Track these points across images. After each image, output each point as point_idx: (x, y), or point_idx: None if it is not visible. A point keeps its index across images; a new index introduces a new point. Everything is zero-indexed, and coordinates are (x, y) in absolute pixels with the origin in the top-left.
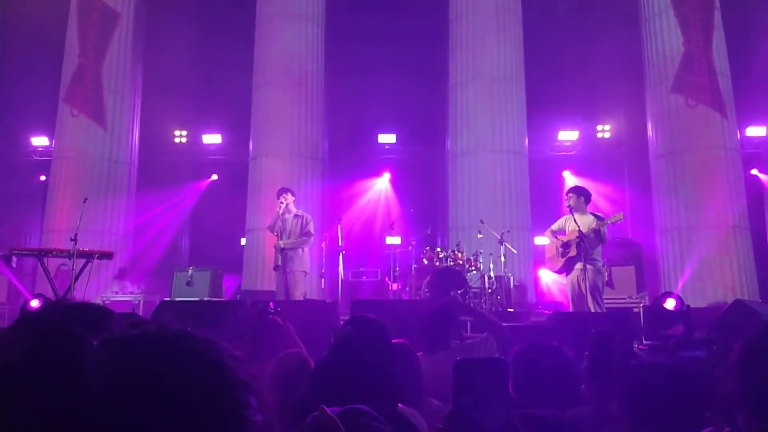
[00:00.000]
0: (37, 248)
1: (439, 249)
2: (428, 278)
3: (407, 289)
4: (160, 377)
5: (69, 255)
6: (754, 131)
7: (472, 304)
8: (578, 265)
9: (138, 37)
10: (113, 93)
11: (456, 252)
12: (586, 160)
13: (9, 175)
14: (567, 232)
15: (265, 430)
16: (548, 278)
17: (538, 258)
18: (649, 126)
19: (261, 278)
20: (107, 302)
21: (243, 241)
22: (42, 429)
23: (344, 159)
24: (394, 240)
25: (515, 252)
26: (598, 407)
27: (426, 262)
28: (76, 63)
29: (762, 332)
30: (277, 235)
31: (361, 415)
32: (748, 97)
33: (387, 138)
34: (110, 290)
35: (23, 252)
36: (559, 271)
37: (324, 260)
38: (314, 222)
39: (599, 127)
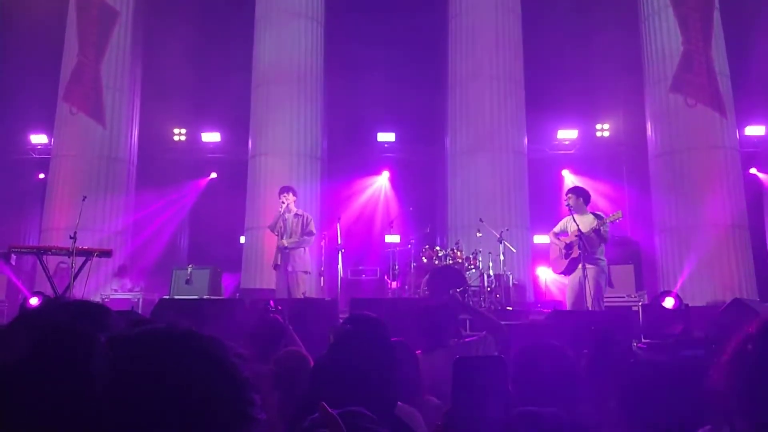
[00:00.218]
0: (36, 246)
1: (438, 247)
2: (427, 277)
3: (406, 287)
4: (167, 375)
5: (68, 253)
6: (753, 130)
7: (471, 303)
8: (581, 266)
9: (137, 36)
10: (112, 91)
11: (455, 250)
12: (586, 159)
13: (8, 173)
14: (569, 233)
15: (268, 429)
16: (547, 277)
17: (537, 257)
18: (649, 125)
19: (260, 276)
20: (106, 300)
21: (242, 240)
22: (48, 427)
23: (343, 157)
24: (393, 238)
25: (514, 251)
26: (598, 405)
27: (425, 260)
28: (75, 61)
29: (758, 330)
30: (277, 235)
31: (359, 418)
32: (748, 96)
33: (386, 137)
34: (109, 288)
35: (22, 250)
36: (563, 273)
37: (323, 259)
38: (314, 221)
39: (598, 126)
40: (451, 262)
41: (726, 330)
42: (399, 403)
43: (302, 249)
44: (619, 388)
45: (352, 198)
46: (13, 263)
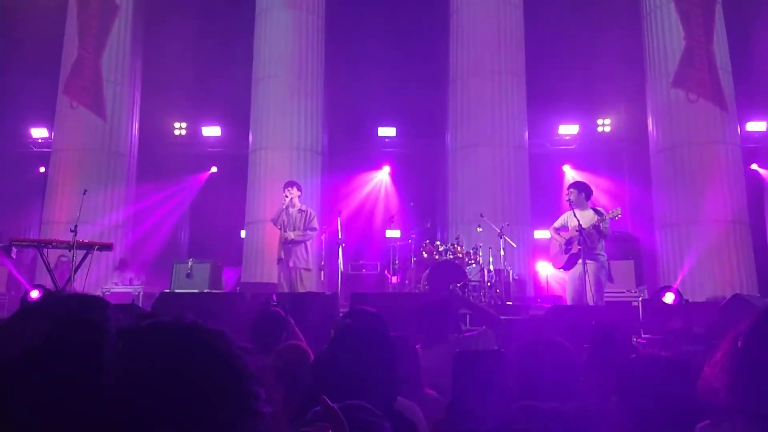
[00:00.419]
0: (37, 239)
1: (438, 242)
2: (428, 271)
3: (407, 282)
4: (173, 368)
5: (69, 246)
6: (754, 126)
7: (471, 298)
8: (581, 261)
9: (137, 30)
10: (112, 85)
11: (455, 245)
12: (586, 154)
13: (9, 167)
14: (569, 228)
15: (272, 422)
16: (547, 272)
17: (538, 252)
18: (650, 120)
19: (260, 270)
20: (107, 293)
21: (243, 234)
22: (58, 418)
23: (344, 152)
24: (393, 233)
25: (515, 246)
26: (598, 400)
27: (425, 255)
28: (76, 55)
29: (747, 328)
30: (280, 228)
31: (360, 411)
32: (749, 91)
33: (387, 131)
34: (110, 281)
35: (23, 243)
36: (563, 268)
37: (324, 253)
38: (317, 217)
39: (599, 121)
40: (451, 257)
41: (726, 325)
42: (399, 397)
43: (304, 244)
44: (619, 383)
45: (353, 192)
46: (14, 256)
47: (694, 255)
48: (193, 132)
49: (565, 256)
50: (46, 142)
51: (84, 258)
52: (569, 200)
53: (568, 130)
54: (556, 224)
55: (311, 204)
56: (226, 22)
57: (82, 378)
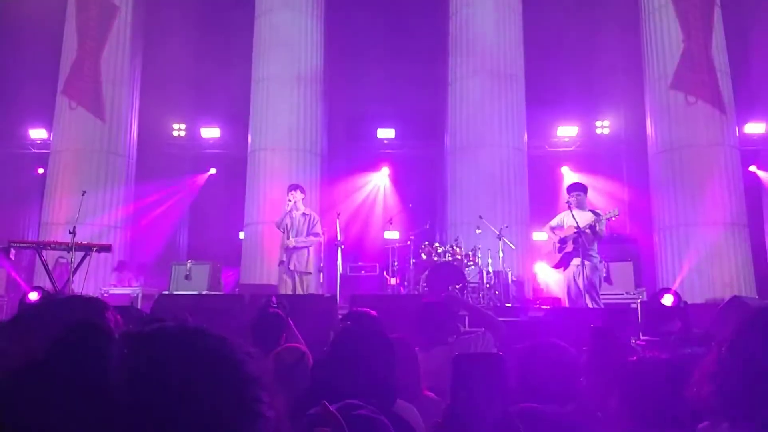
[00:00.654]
0: (35, 241)
1: (437, 244)
2: (426, 273)
3: (405, 283)
4: (179, 373)
5: (68, 248)
6: (753, 128)
7: (470, 299)
8: (575, 261)
9: (136, 30)
10: (112, 86)
11: (454, 247)
12: (585, 156)
13: (7, 168)
14: (565, 227)
15: (275, 426)
16: (546, 274)
17: (537, 253)
18: (648, 122)
19: (259, 272)
20: (105, 295)
21: (242, 235)
22: (68, 419)
23: (343, 153)
24: (392, 235)
25: (513, 247)
26: (598, 402)
27: (424, 257)
28: (75, 55)
29: (732, 334)
30: (283, 232)
31: (358, 409)
32: (748, 93)
33: (386, 132)
34: (109, 283)
35: (22, 244)
36: (556, 266)
37: (322, 255)
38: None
39: (598, 123)
40: (450, 258)
41: (725, 328)
42: (398, 399)
43: (307, 250)
44: (619, 386)
45: (352, 194)
46: (12, 258)
47: (692, 257)
48: (192, 133)
49: (559, 255)
50: (44, 143)
51: (83, 259)
52: (568, 203)
53: (567, 131)
54: (552, 223)
55: (310, 205)
56: (225, 22)
57: (87, 383)
